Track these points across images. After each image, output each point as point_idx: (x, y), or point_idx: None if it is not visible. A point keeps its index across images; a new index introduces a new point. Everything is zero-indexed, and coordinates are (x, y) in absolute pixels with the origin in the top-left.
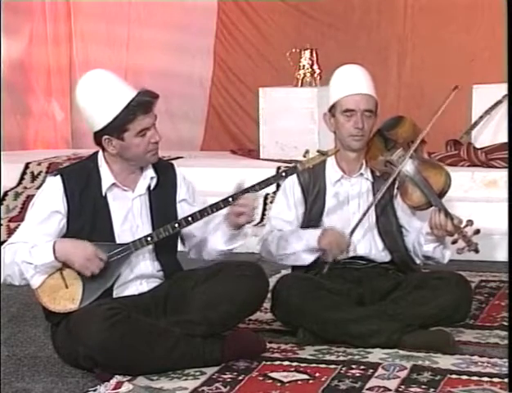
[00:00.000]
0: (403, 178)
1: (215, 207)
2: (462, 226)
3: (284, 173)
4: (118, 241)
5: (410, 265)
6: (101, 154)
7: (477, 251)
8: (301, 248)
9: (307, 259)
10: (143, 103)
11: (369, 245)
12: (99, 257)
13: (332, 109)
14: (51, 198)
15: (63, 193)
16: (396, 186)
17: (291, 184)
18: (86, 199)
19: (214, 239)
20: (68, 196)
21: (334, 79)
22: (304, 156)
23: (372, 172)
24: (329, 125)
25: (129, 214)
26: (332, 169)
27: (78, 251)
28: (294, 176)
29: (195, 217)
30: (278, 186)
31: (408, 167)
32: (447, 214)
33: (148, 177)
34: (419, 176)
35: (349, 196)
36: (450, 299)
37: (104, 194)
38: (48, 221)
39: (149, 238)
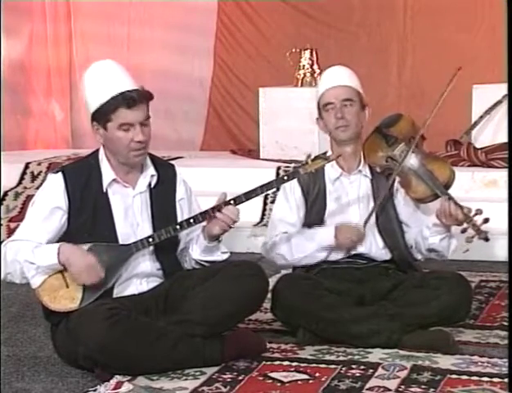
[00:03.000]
0: (407, 171)
1: (217, 209)
2: (472, 214)
3: (286, 177)
4: (119, 237)
5: (410, 263)
6: (101, 151)
7: (487, 239)
8: (316, 248)
9: (322, 256)
10: (127, 97)
11: (369, 243)
12: (98, 271)
13: (319, 111)
14: (52, 194)
15: (64, 189)
16: (396, 181)
17: (291, 186)
18: (87, 195)
19: (194, 248)
20: (69, 192)
21: (319, 83)
22: (306, 161)
23: (371, 168)
24: (322, 128)
25: (129, 211)
26: (331, 168)
27: (78, 258)
28: None
29: (197, 219)
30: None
31: (412, 160)
32: (456, 204)
33: (148, 175)
34: (424, 169)
35: (349, 194)
36: (450, 299)
37: (105, 190)
38: (50, 217)
39: (150, 239)
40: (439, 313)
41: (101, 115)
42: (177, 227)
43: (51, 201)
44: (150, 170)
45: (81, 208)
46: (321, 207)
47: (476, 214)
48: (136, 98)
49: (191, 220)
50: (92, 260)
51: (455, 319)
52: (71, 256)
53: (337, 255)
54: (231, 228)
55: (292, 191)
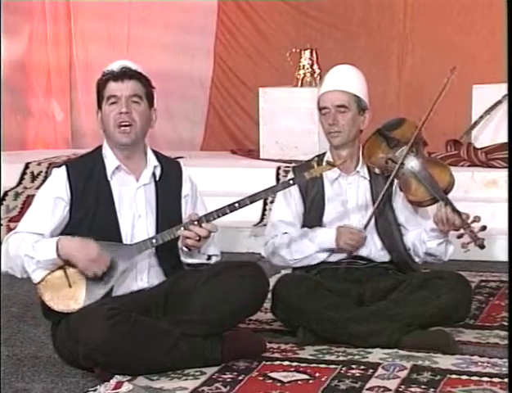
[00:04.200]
0: (407, 174)
1: (221, 212)
2: (469, 221)
3: (291, 181)
4: (120, 228)
5: (409, 265)
6: (105, 143)
7: (482, 247)
8: (315, 250)
9: (322, 257)
10: (115, 72)
11: (369, 246)
12: (103, 259)
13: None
14: (54, 186)
15: (66, 181)
16: (395, 184)
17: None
18: (90, 186)
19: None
20: (71, 184)
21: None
22: (312, 166)
23: (369, 170)
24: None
25: (132, 203)
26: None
27: (83, 251)
28: (291, 175)
29: (201, 221)
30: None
31: (413, 163)
32: (454, 209)
33: (151, 165)
34: (425, 172)
35: (347, 195)
36: (450, 299)
37: (109, 178)
38: (52, 208)
39: (154, 241)
40: (439, 313)
41: (98, 96)
42: (181, 229)
43: (53, 192)
44: (153, 161)
45: (83, 199)
46: (319, 208)
47: (474, 221)
48: (123, 72)
49: (195, 223)
50: (96, 248)
51: (456, 319)
52: (74, 252)
53: (337, 256)
54: (200, 240)
55: (290, 192)
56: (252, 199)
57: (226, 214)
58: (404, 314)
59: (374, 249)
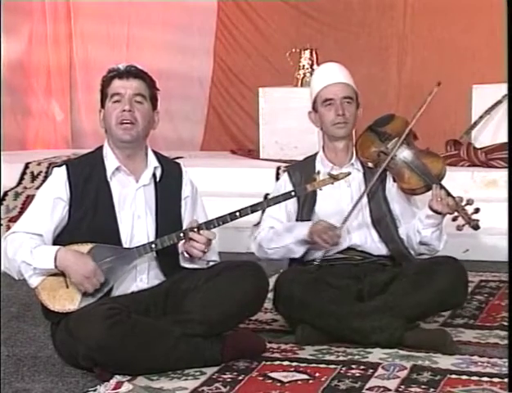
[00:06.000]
0: (400, 164)
1: (221, 220)
2: (463, 204)
3: (293, 193)
4: (119, 228)
5: (406, 256)
6: (106, 143)
7: (476, 228)
8: (291, 241)
9: (298, 251)
10: (121, 69)
11: (364, 236)
12: (97, 277)
13: (314, 105)
14: (54, 186)
15: (66, 180)
16: (388, 176)
17: (283, 184)
18: (89, 186)
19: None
20: (71, 184)
21: (313, 77)
22: (314, 178)
23: (362, 163)
24: (314, 122)
25: (132, 204)
26: (322, 163)
27: (78, 267)
28: (286, 176)
29: (201, 228)
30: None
31: (405, 153)
32: (448, 192)
33: (152, 165)
34: (418, 161)
35: (341, 187)
36: (446, 281)
37: (109, 179)
38: (52, 208)
39: (153, 245)
40: (436, 298)
41: (102, 94)
42: (181, 235)
43: (52, 192)
44: (153, 161)
45: (83, 199)
46: (312, 202)
47: (467, 204)
48: (128, 71)
49: (195, 229)
50: (92, 266)
51: (454, 303)
52: (70, 265)
53: (333, 251)
54: (204, 252)
55: (283, 189)
56: (253, 208)
57: (227, 222)
58: (403, 305)
59: (370, 241)
